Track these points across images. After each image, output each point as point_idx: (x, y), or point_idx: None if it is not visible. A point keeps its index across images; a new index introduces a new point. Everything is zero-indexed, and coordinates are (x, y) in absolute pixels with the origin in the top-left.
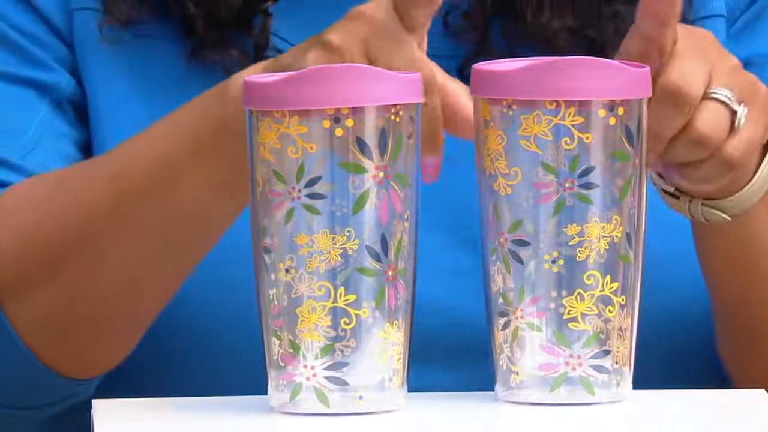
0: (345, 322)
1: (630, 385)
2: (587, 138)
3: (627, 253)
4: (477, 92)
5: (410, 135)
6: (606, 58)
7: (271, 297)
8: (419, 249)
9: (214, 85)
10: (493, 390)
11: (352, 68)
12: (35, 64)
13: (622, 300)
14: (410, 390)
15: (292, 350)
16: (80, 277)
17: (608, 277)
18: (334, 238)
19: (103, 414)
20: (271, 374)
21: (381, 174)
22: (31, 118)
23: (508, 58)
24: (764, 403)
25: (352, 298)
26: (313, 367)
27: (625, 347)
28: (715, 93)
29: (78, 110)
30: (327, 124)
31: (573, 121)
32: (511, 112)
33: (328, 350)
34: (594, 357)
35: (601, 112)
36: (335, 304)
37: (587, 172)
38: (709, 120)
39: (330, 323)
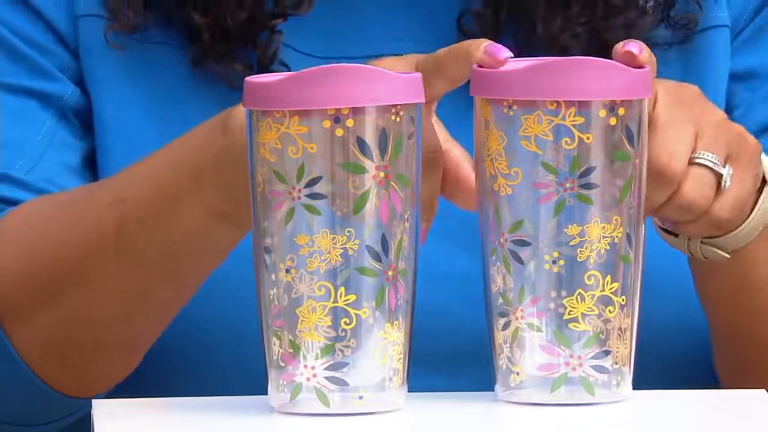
0: (345, 322)
1: (630, 385)
2: (588, 138)
3: (627, 253)
4: (477, 92)
5: (410, 135)
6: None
7: (271, 297)
8: (422, 256)
9: (219, 92)
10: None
11: (352, 68)
12: (39, 74)
13: (623, 300)
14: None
15: (292, 350)
16: (80, 301)
17: (608, 278)
18: (334, 238)
19: (103, 414)
20: (272, 374)
21: (381, 174)
22: (35, 131)
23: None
24: (764, 403)
25: (352, 298)
26: (313, 367)
27: (625, 347)
28: (699, 159)
29: (83, 120)
30: (327, 124)
31: (573, 121)
32: (511, 113)
33: (328, 350)
34: (594, 357)
35: (602, 113)
36: (335, 304)
37: (588, 172)
38: (694, 187)
39: (330, 323)
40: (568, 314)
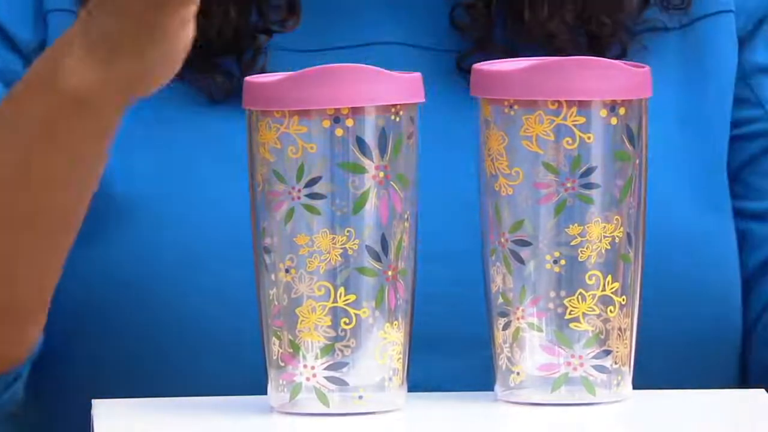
0: (345, 322)
1: (630, 385)
2: (588, 138)
3: (627, 252)
4: (478, 92)
5: (410, 135)
6: (606, 53)
7: (271, 297)
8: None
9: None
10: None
11: (352, 68)
12: None
13: (623, 300)
14: (410, 382)
15: (292, 350)
16: None
17: (609, 277)
18: (334, 238)
19: (103, 414)
20: (271, 374)
21: (381, 174)
22: None
23: (509, 53)
24: (764, 403)
25: (352, 298)
26: (313, 367)
27: (625, 347)
28: None
29: None
30: (327, 123)
31: (574, 121)
32: (512, 113)
33: (328, 350)
34: (595, 357)
35: (603, 112)
36: (335, 304)
37: (588, 172)
38: None
39: (330, 323)
40: (569, 314)
